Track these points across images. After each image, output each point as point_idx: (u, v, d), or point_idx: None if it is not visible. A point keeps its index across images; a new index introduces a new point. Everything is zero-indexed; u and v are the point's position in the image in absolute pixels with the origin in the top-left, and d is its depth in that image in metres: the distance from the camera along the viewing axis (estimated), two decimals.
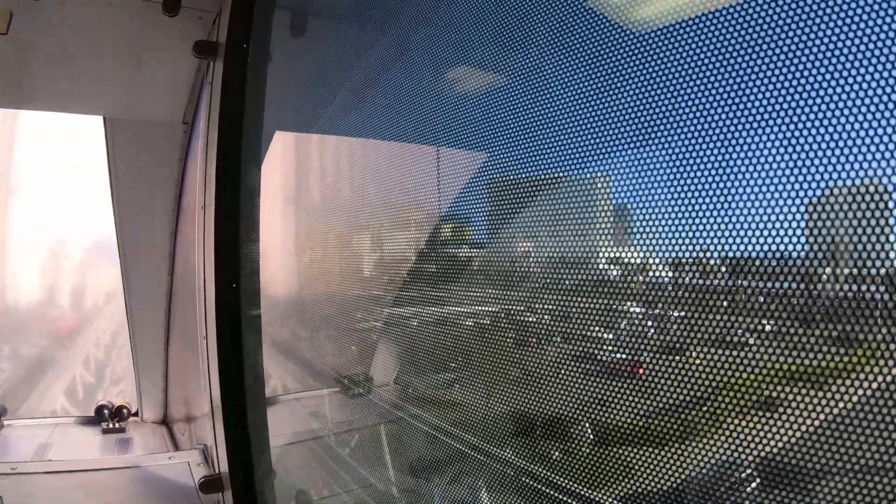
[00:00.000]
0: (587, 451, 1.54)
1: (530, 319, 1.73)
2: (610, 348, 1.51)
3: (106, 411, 6.05)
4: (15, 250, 6.15)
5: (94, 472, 3.68)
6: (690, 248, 1.28)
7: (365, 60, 2.36)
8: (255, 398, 2.32)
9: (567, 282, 1.56)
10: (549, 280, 1.61)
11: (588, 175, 1.52)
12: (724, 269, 1.24)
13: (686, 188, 1.28)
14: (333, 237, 2.45)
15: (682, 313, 1.34)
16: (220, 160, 2.29)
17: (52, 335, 6.55)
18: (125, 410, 6.06)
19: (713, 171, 1.24)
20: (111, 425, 5.98)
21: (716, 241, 1.22)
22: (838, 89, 1.04)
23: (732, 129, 1.22)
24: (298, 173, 2.72)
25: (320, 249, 2.50)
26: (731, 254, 1.21)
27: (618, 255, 1.47)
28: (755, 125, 1.18)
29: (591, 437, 1.54)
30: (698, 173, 1.26)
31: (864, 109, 1.00)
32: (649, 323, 1.43)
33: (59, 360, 6.65)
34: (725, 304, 1.25)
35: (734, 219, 1.19)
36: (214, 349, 2.58)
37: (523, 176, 1.67)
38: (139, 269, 5.14)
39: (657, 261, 1.40)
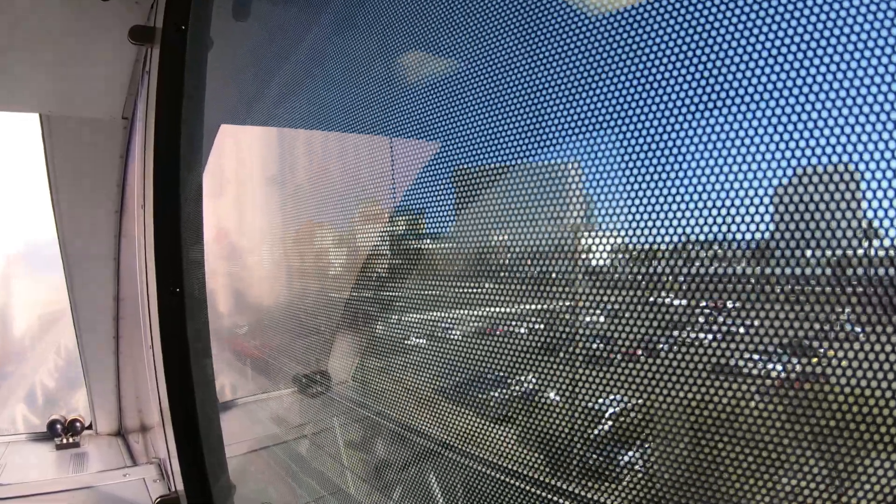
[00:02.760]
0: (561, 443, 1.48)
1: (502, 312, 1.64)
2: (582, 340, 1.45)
3: (59, 426, 5.76)
4: None
5: (48, 496, 3.47)
6: (656, 234, 1.22)
7: (312, 45, 2.20)
8: (207, 410, 2.15)
9: (537, 273, 1.47)
10: (520, 272, 1.51)
11: (551, 163, 1.44)
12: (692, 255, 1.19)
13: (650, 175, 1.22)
14: (286, 234, 2.29)
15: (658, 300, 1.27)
16: (157, 154, 2.09)
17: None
18: (78, 424, 5.78)
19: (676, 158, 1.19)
20: (65, 440, 5.71)
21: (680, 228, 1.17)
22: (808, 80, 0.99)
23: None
24: (245, 167, 2.54)
25: (272, 247, 2.34)
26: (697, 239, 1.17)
27: (586, 244, 1.40)
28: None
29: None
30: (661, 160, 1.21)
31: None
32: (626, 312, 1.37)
33: (8, 373, 6.35)
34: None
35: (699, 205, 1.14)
36: (161, 358, 2.40)
37: (482, 165, 1.56)
38: (84, 275, 4.87)
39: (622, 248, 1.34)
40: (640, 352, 1.24)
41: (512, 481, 1.54)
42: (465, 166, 1.59)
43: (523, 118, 1.43)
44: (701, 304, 1.17)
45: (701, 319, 1.18)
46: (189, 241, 2.09)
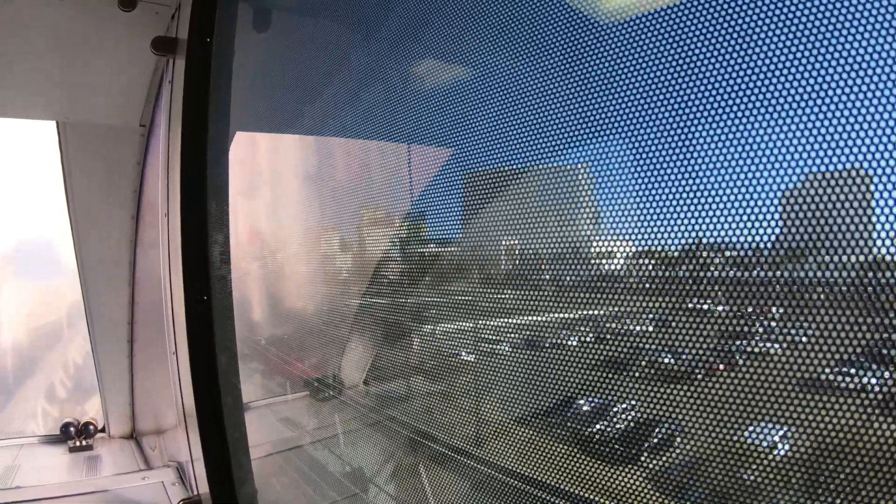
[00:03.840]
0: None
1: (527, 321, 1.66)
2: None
3: (72, 429, 5.82)
4: None
5: (64, 499, 3.50)
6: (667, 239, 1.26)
7: (334, 55, 2.24)
8: (233, 414, 2.19)
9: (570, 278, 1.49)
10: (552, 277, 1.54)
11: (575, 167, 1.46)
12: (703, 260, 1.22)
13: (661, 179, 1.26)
14: (314, 240, 2.33)
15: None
16: (184, 164, 2.13)
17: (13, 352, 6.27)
18: (92, 427, 5.83)
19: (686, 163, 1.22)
20: (78, 443, 5.76)
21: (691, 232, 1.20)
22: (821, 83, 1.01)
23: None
24: (271, 174, 2.58)
25: (300, 254, 2.38)
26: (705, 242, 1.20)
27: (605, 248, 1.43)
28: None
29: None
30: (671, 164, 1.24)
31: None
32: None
33: (22, 378, 6.38)
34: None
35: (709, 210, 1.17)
36: (186, 365, 2.44)
37: (513, 169, 1.59)
38: (99, 280, 4.92)
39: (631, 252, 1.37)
40: (721, 366, 1.21)
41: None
42: (518, 168, 1.60)
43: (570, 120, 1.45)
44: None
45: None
46: (216, 249, 2.13)
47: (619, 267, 1.38)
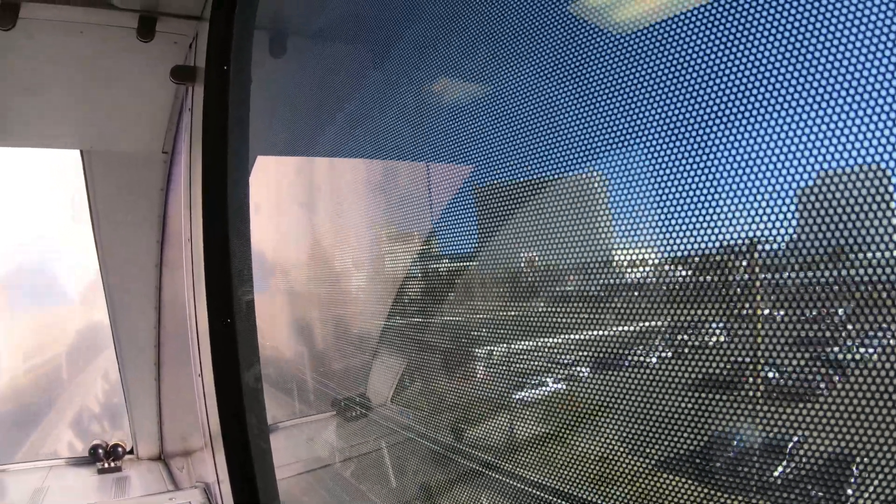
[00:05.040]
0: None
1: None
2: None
3: (100, 451, 5.88)
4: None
5: None
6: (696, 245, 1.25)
7: (350, 77, 2.28)
8: (259, 436, 2.22)
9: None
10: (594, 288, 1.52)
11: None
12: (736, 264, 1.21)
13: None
14: (334, 261, 2.36)
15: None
16: (205, 189, 2.18)
17: (42, 377, 6.39)
18: (120, 448, 5.89)
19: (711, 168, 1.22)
20: (106, 465, 5.83)
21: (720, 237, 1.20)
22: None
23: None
24: (292, 198, 2.62)
25: (321, 274, 2.40)
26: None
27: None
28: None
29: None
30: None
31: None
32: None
33: (50, 402, 6.48)
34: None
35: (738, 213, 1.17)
36: (212, 386, 2.48)
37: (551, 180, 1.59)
38: (126, 303, 5.01)
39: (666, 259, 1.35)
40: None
41: None
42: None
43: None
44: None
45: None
46: (238, 273, 2.17)
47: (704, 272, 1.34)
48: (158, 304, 4.86)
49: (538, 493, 1.69)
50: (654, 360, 1.43)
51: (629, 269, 1.40)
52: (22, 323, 6.11)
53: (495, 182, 1.72)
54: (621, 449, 1.44)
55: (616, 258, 1.44)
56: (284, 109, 2.58)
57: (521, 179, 1.64)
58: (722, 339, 1.27)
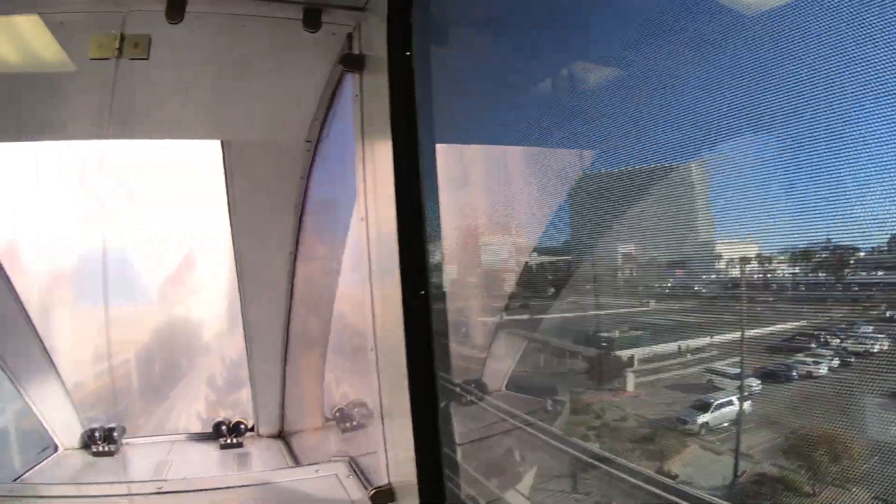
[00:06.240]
0: None
1: None
2: None
3: (224, 427, 6.21)
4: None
5: (241, 489, 3.75)
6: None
7: (538, 62, 2.33)
8: (445, 409, 2.32)
9: None
10: None
11: None
12: None
13: None
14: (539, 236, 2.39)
15: None
16: (397, 170, 2.30)
17: (171, 356, 6.79)
18: (242, 426, 6.22)
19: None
20: (229, 440, 6.14)
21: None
22: None
23: None
24: (480, 176, 2.69)
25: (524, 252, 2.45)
26: None
27: None
28: None
29: None
30: None
31: None
32: None
33: (176, 378, 6.87)
34: None
35: None
36: (385, 360, 2.60)
37: None
38: (256, 289, 5.26)
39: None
40: None
41: None
42: None
43: None
44: None
45: None
46: (431, 247, 2.28)
47: None
48: (290, 291, 5.07)
49: None
50: None
51: None
52: (155, 305, 6.51)
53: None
54: None
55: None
56: (468, 93, 2.66)
57: None
58: None
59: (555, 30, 2.31)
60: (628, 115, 1.99)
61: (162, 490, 3.55)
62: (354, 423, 4.28)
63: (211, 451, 6.16)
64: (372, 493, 2.76)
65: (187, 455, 6.16)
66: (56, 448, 6.05)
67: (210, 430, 6.31)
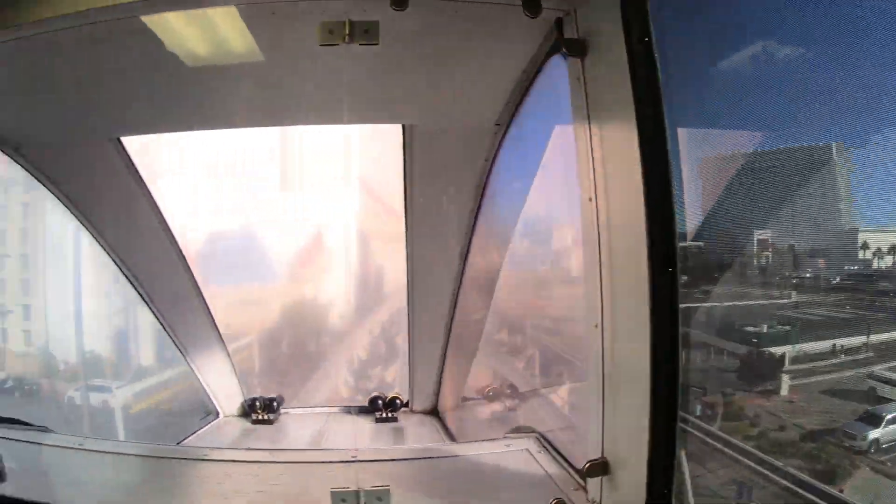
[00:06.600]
0: None
1: None
2: None
3: (379, 401, 6.53)
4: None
5: (434, 460, 3.94)
6: None
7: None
8: (685, 388, 2.36)
9: None
10: None
11: None
12: None
13: None
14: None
15: None
16: (643, 152, 2.36)
17: (330, 328, 7.14)
18: (398, 401, 6.50)
19: None
20: (384, 415, 6.45)
21: None
22: None
23: None
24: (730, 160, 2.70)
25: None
26: None
27: None
28: None
29: None
30: None
31: None
32: None
33: (334, 353, 7.25)
34: None
35: None
36: (615, 335, 2.67)
37: None
38: (424, 273, 5.49)
39: None
40: None
41: None
42: None
43: None
44: None
45: None
46: (677, 225, 2.33)
47: None
48: (461, 273, 5.20)
49: None
50: None
51: None
52: (321, 281, 6.91)
53: None
54: None
55: None
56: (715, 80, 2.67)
57: None
58: None
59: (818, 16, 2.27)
60: None
61: (356, 458, 3.76)
62: (536, 401, 4.39)
63: (366, 423, 6.49)
64: (587, 466, 2.84)
65: (343, 426, 6.53)
66: (217, 415, 6.66)
67: (365, 404, 6.67)
